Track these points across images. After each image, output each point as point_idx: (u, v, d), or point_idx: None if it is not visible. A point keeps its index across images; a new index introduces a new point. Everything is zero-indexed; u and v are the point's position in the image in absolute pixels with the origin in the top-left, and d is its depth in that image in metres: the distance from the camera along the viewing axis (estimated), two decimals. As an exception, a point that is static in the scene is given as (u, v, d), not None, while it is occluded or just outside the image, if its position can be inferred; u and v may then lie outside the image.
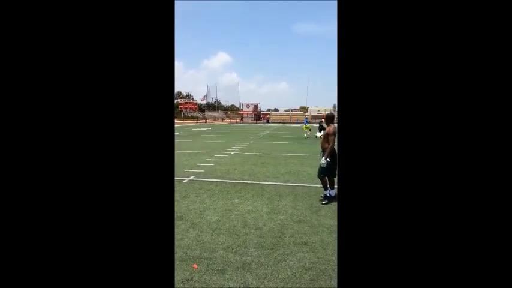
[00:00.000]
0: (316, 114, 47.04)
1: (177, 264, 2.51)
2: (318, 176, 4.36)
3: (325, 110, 46.02)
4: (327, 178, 4.32)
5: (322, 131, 4.40)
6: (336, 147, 4.22)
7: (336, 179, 4.41)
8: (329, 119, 4.39)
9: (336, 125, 4.29)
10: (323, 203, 4.21)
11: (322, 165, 4.17)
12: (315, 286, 2.22)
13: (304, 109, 52.22)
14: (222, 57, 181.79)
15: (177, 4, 1.13)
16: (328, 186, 4.35)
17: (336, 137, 4.20)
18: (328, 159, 4.17)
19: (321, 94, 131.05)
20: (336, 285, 2.22)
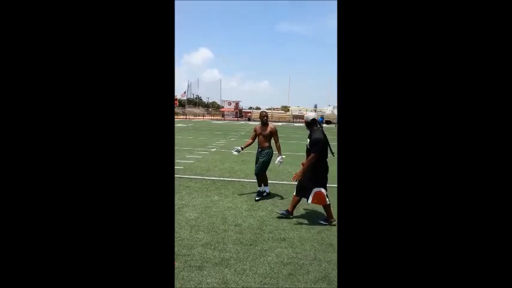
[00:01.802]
0: (297, 113, 47.48)
1: (154, 261, 2.47)
2: (260, 172, 4.35)
3: (306, 110, 46.58)
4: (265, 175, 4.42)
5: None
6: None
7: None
8: (266, 118, 4.39)
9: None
10: (256, 199, 4.27)
11: (280, 163, 4.33)
12: (293, 280, 2.26)
13: (286, 108, 52.58)
14: (203, 53, 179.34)
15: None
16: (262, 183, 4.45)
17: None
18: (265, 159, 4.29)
19: (302, 94, 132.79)
20: (312, 279, 2.27)
